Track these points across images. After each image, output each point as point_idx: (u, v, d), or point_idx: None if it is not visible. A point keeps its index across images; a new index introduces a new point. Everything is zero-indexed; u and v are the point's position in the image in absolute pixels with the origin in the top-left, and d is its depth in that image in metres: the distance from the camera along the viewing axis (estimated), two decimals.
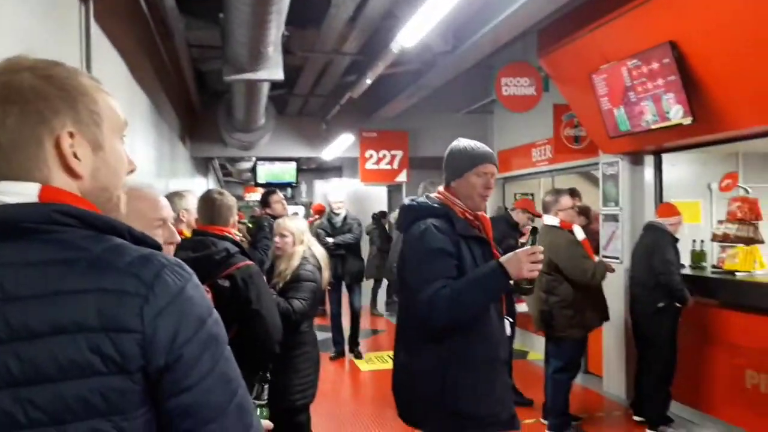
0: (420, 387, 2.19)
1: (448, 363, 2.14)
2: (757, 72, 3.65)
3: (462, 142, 2.35)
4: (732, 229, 4.78)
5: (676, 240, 4.53)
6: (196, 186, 9.51)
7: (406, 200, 2.43)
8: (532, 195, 7.98)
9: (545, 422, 4.58)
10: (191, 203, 2.97)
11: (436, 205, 2.29)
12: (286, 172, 10.28)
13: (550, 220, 4.45)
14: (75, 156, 0.89)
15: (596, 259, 4.49)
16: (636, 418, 4.70)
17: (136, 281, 0.84)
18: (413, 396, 2.24)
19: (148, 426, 0.85)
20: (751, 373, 4.20)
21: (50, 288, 0.82)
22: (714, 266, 5.03)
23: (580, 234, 4.45)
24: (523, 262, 2.05)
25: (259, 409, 1.34)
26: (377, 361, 6.74)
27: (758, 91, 3.72)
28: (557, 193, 4.59)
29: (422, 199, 2.37)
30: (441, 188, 2.36)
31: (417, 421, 2.29)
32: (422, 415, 2.23)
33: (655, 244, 4.52)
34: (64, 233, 0.85)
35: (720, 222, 4.97)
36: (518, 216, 5.17)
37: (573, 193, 5.64)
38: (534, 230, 2.25)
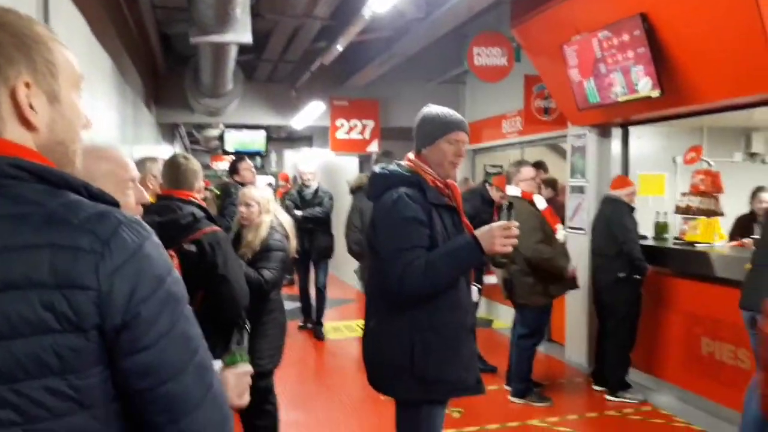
0: (389, 353, 2.21)
1: (417, 330, 2.16)
2: (725, 46, 3.70)
3: (434, 109, 2.34)
4: (694, 201, 4.89)
5: (633, 210, 4.64)
6: (162, 154, 9.32)
7: (377, 168, 2.40)
8: (501, 168, 8.02)
9: (508, 388, 4.69)
10: (158, 170, 2.91)
11: (406, 173, 2.28)
12: (255, 140, 10.13)
13: (512, 190, 4.51)
14: (31, 107, 0.86)
15: (559, 229, 4.57)
16: (596, 387, 4.84)
17: (91, 237, 0.81)
18: (382, 362, 2.26)
19: (104, 385, 0.83)
20: (707, 341, 4.35)
21: (1, 243, 0.79)
22: (676, 238, 5.15)
23: (541, 203, 4.52)
24: (497, 237, 2.09)
25: (239, 355, 1.33)
26: (345, 330, 6.78)
27: (725, 65, 3.77)
28: (519, 164, 4.69)
29: (393, 166, 2.35)
30: (411, 155, 2.35)
31: (386, 387, 2.31)
32: (391, 381, 2.26)
33: (613, 215, 4.62)
34: (17, 187, 0.82)
35: (683, 194, 5.07)
36: (494, 193, 5.21)
37: (539, 165, 5.70)
38: (510, 205, 2.23)
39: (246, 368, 1.30)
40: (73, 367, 0.80)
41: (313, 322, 6.65)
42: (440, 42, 5.86)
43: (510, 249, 2.13)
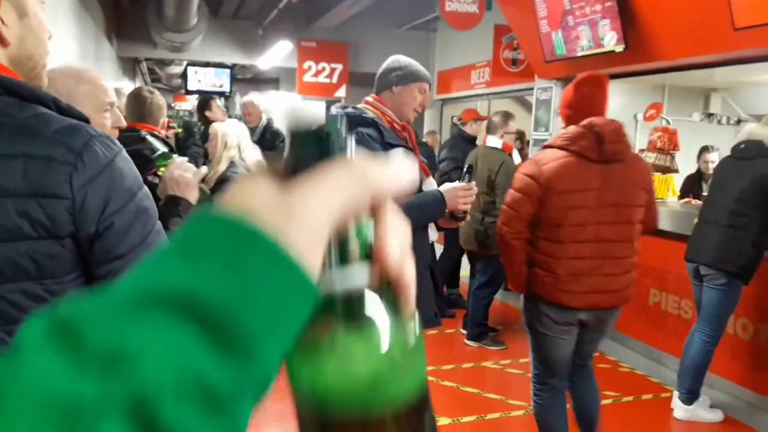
0: None
1: None
2: (687, 4, 3.76)
3: (405, 58, 2.41)
4: (651, 158, 5.03)
5: None
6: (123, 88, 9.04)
7: (333, 110, 2.43)
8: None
9: (464, 332, 4.87)
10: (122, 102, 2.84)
11: (364, 114, 2.31)
12: (220, 79, 9.89)
13: (494, 141, 4.53)
14: (2, 22, 0.86)
15: None
16: None
17: (64, 149, 0.83)
18: None
19: (80, 291, 0.87)
20: (654, 292, 4.57)
21: None
22: None
23: (516, 159, 4.62)
24: (460, 196, 2.25)
25: (164, 157, 1.45)
26: None
27: (687, 24, 3.84)
28: (507, 116, 4.60)
29: (350, 108, 2.39)
30: (369, 98, 2.37)
31: None
32: None
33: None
34: None
35: (641, 151, 5.21)
36: (472, 128, 5.25)
37: (508, 116, 5.76)
38: (470, 168, 2.39)
39: (183, 164, 1.39)
40: (49, 273, 0.83)
41: None
42: None
43: (468, 207, 2.30)
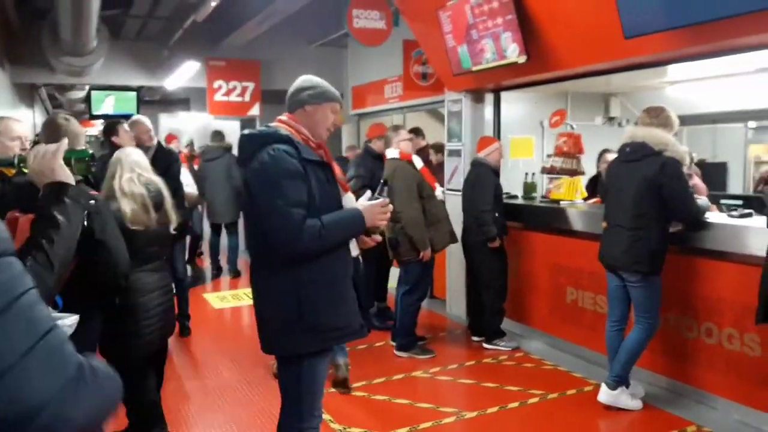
0: (281, 308, 2.25)
1: (306, 282, 2.22)
2: (582, 15, 3.98)
3: (317, 78, 2.44)
4: (558, 162, 5.28)
5: (497, 174, 4.93)
6: (20, 118, 8.50)
7: (245, 131, 2.41)
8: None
9: (393, 343, 4.89)
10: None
11: (279, 131, 2.29)
12: (126, 103, 9.51)
13: (392, 152, 4.70)
14: None
15: (437, 188, 4.80)
16: (474, 338, 5.17)
17: None
18: (272, 318, 2.29)
19: None
20: (571, 290, 4.77)
21: None
22: (543, 196, 5.54)
23: (418, 163, 4.75)
24: (376, 213, 2.31)
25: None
26: (232, 299, 6.69)
27: (583, 33, 4.06)
28: (396, 127, 4.99)
29: (261, 127, 2.38)
30: (283, 116, 2.37)
31: (276, 344, 2.34)
32: (281, 336, 2.28)
33: (477, 180, 4.89)
34: None
35: (549, 156, 5.45)
36: (377, 144, 5.33)
37: (416, 132, 5.92)
38: (385, 182, 2.41)
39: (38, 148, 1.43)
40: None
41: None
42: (320, 3, 5.79)
43: (385, 223, 2.36)
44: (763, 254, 2.97)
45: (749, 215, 3.77)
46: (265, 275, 2.30)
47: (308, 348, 2.29)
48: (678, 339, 3.87)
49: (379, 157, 5.22)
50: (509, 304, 5.08)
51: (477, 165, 5.00)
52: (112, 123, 5.29)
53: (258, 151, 2.24)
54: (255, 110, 8.41)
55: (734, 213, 3.86)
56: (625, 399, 3.72)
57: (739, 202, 4.39)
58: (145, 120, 4.98)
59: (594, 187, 5.47)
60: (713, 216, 3.86)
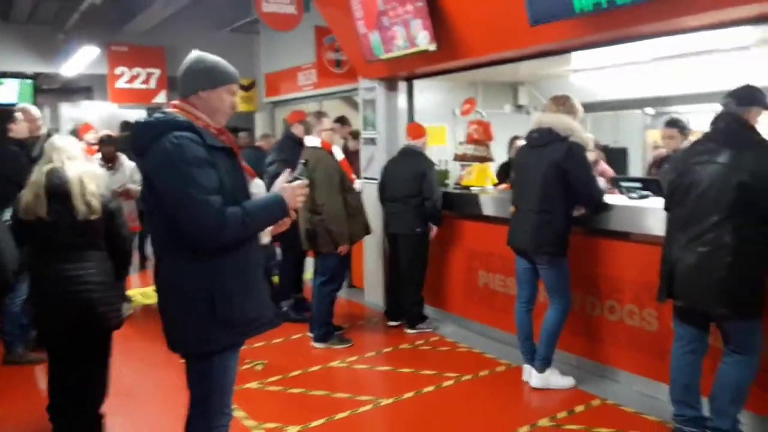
0: (192, 303, 2.12)
1: (218, 274, 2.12)
2: (491, 2, 4.04)
3: (210, 56, 2.26)
4: (470, 149, 5.35)
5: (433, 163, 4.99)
6: None
7: (139, 119, 2.25)
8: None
9: (311, 335, 4.82)
10: None
11: (178, 118, 2.15)
12: (19, 91, 8.83)
13: (312, 140, 4.58)
14: None
15: (356, 180, 4.76)
16: (390, 323, 5.20)
17: None
18: (185, 314, 2.16)
19: None
20: (483, 273, 4.87)
21: None
22: (456, 183, 5.63)
23: (339, 154, 4.66)
24: (296, 194, 2.24)
25: None
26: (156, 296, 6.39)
27: (490, 21, 4.12)
28: (319, 114, 4.76)
29: (158, 114, 2.21)
30: (176, 102, 2.22)
31: (185, 341, 2.21)
32: (192, 333, 2.16)
33: (420, 170, 4.88)
34: None
35: (460, 143, 5.52)
36: (298, 129, 5.20)
37: (342, 120, 5.85)
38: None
39: None
40: None
41: None
42: None
43: (301, 204, 2.28)
44: (661, 233, 3.13)
45: (647, 197, 3.97)
46: (174, 269, 2.17)
47: (221, 343, 2.19)
48: (583, 317, 4.03)
49: (300, 142, 5.12)
50: (426, 288, 5.14)
51: (413, 153, 4.99)
52: (7, 111, 4.88)
53: (156, 140, 2.10)
54: (161, 97, 8.04)
55: (633, 195, 4.06)
56: (556, 379, 3.84)
57: (639, 184, 4.62)
58: (32, 108, 4.67)
59: (505, 173, 5.61)
60: (614, 198, 4.04)
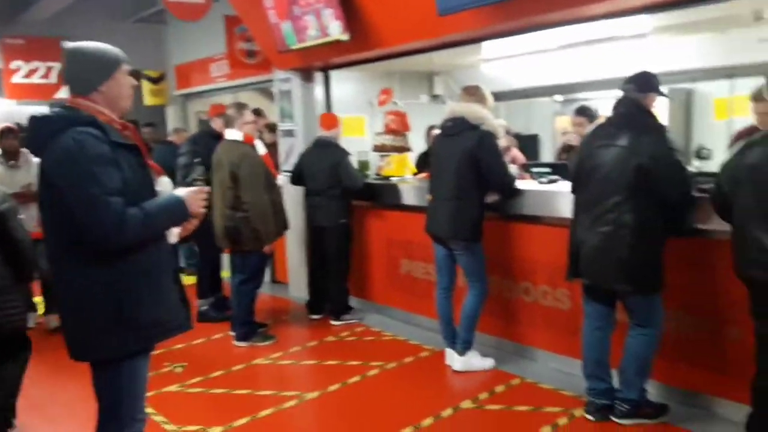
0: (97, 306, 2.01)
1: (124, 275, 2.03)
2: None
3: (89, 43, 2.12)
4: (387, 139, 5.38)
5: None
6: None
7: (36, 114, 2.11)
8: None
9: (233, 333, 4.72)
10: None
11: (80, 113, 2.03)
12: None
13: (234, 134, 4.44)
14: None
15: (278, 175, 4.69)
16: (313, 317, 5.17)
17: None
18: (88, 318, 2.04)
19: None
20: (405, 262, 4.92)
21: None
22: (376, 174, 5.64)
23: (261, 149, 4.56)
24: (197, 200, 2.20)
25: None
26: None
27: (400, 11, 4.14)
28: (241, 107, 4.58)
29: (56, 109, 2.08)
30: (74, 98, 2.09)
31: (90, 349, 2.09)
32: (97, 339, 2.05)
33: (336, 160, 4.83)
34: None
35: (378, 134, 5.54)
36: (217, 123, 5.03)
37: (258, 113, 5.70)
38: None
39: None
40: None
41: None
42: None
43: (203, 211, 2.25)
44: (570, 216, 3.26)
45: (556, 181, 4.12)
46: (75, 272, 2.04)
47: (129, 348, 2.09)
48: (501, 300, 4.15)
49: (218, 136, 4.96)
50: (350, 279, 5.14)
51: (327, 144, 4.92)
52: None
53: (55, 137, 1.97)
54: (63, 93, 7.57)
55: (543, 180, 4.21)
56: (477, 361, 3.94)
57: (549, 170, 4.80)
58: None
59: (424, 162, 5.67)
60: (526, 184, 4.17)
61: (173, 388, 3.90)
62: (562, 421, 3.23)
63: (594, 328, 3.17)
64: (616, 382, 3.17)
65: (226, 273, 5.33)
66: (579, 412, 3.27)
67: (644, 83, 3.08)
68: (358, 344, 4.62)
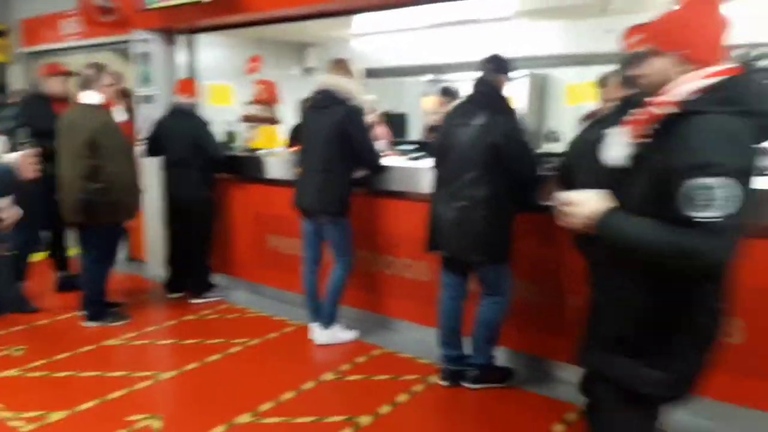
0: None
1: None
2: None
3: None
4: (257, 110, 5.22)
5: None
6: None
7: None
8: None
9: (82, 313, 4.38)
10: None
11: None
12: None
13: (91, 97, 4.03)
14: None
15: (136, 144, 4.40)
16: (171, 296, 4.94)
17: None
18: None
19: None
20: (271, 237, 4.83)
21: None
22: (244, 146, 5.46)
23: (120, 115, 4.22)
24: (30, 162, 2.21)
25: None
26: None
27: None
28: (99, 68, 4.13)
29: None
30: None
31: None
32: None
33: (196, 131, 4.59)
34: None
35: (247, 104, 5.36)
36: (53, 84, 4.57)
37: (100, 68, 5.25)
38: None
39: None
40: None
41: None
42: None
43: (35, 174, 2.19)
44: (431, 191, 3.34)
45: (420, 158, 4.22)
46: None
47: None
48: (366, 273, 4.20)
49: (53, 99, 4.52)
50: (214, 256, 4.95)
51: (185, 113, 4.63)
52: None
53: None
54: None
55: (410, 157, 4.30)
56: (340, 334, 3.97)
57: (415, 147, 4.91)
58: None
59: (297, 135, 5.57)
60: (392, 160, 4.24)
61: (11, 372, 3.57)
62: (418, 387, 3.35)
63: (449, 298, 3.31)
64: (467, 349, 3.33)
65: (73, 251, 4.92)
66: (434, 379, 3.41)
67: (499, 65, 3.21)
68: (220, 322, 4.48)
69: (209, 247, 4.88)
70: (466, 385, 3.29)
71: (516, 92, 3.36)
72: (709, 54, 1.59)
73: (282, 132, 5.51)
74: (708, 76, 1.55)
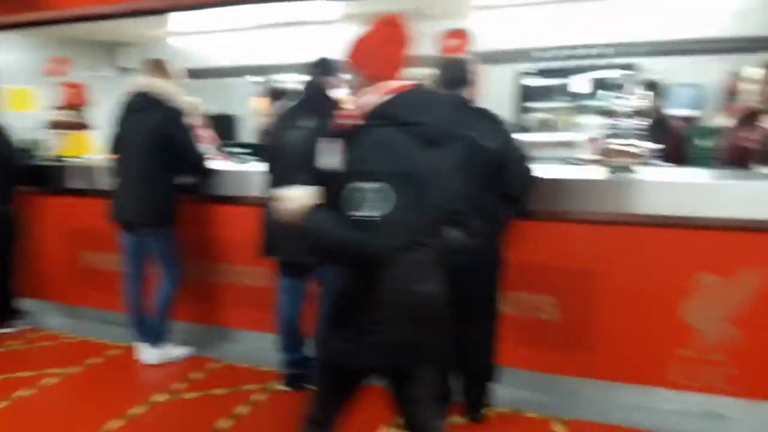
0: None
1: None
2: None
3: None
4: (66, 115, 4.74)
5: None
6: None
7: None
8: None
9: None
10: None
11: None
12: None
13: None
14: None
15: None
16: None
17: None
18: None
19: None
20: (88, 253, 4.40)
21: None
22: (50, 154, 4.91)
23: None
24: None
25: None
26: None
27: None
28: None
29: None
30: None
31: None
32: None
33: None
34: None
35: (53, 109, 4.85)
36: None
37: None
38: None
39: None
40: None
41: None
42: None
43: None
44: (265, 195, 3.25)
45: (251, 161, 4.11)
46: None
47: None
48: (198, 284, 3.99)
49: None
50: (18, 279, 4.40)
51: None
52: None
53: None
54: None
55: (240, 160, 4.17)
56: (173, 351, 3.74)
57: (246, 150, 4.77)
58: None
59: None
60: (222, 164, 4.07)
61: None
62: (260, 397, 3.25)
63: (287, 301, 3.25)
64: (307, 350, 3.30)
65: None
66: (276, 386, 3.33)
67: (328, 68, 3.22)
68: (30, 352, 3.99)
69: (11, 269, 4.32)
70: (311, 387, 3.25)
71: (340, 93, 3.39)
72: (387, 71, 1.81)
73: (95, 138, 5.05)
74: (386, 93, 1.78)
